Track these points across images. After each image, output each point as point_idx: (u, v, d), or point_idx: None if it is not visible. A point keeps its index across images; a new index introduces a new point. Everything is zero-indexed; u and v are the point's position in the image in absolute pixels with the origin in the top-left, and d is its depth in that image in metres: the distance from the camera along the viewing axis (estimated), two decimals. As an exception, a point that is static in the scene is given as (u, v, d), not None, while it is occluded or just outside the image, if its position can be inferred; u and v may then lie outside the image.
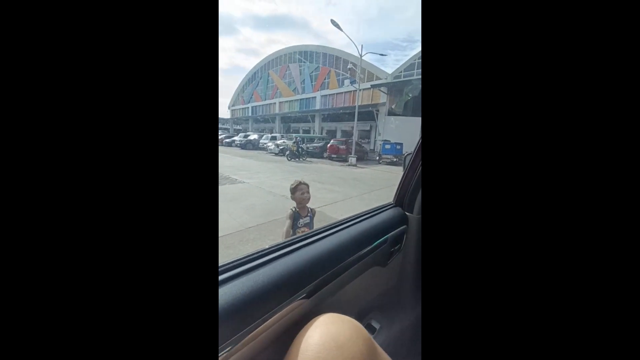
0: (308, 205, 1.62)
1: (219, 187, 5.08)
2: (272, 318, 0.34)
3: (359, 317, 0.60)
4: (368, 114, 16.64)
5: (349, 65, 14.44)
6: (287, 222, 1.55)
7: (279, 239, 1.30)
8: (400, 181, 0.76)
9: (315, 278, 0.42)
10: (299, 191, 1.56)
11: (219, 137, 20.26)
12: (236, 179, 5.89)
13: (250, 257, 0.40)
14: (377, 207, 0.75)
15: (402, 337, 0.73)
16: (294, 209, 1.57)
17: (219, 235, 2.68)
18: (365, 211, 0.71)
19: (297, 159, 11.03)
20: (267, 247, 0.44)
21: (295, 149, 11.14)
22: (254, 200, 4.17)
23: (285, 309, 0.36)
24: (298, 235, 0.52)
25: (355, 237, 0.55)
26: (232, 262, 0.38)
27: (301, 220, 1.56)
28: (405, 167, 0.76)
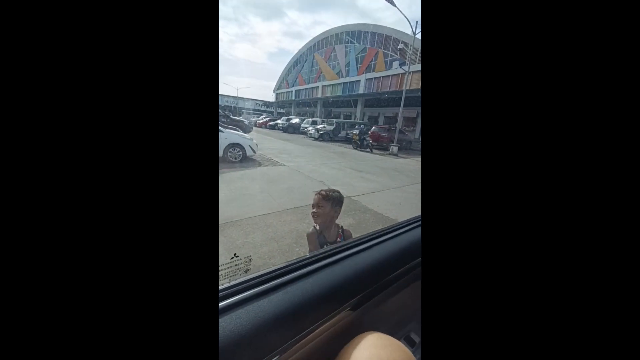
0: (337, 221, 1.10)
1: (262, 168, 5.43)
2: (320, 329, 0.35)
3: (399, 329, 0.59)
4: (416, 100, 15.30)
5: (400, 45, 13.26)
6: (310, 246, 1.08)
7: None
8: None
9: (362, 291, 0.42)
10: (336, 203, 1.07)
11: (264, 120, 21.25)
12: (277, 162, 6.20)
13: (299, 263, 0.41)
14: None
15: None
16: (316, 229, 1.07)
17: (262, 213, 2.94)
18: (413, 218, 0.68)
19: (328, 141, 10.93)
20: (314, 254, 0.45)
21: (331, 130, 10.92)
22: (292, 183, 4.36)
23: (331, 321, 0.36)
24: (346, 241, 0.52)
25: (403, 248, 0.54)
26: (280, 268, 0.39)
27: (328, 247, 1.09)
28: None
